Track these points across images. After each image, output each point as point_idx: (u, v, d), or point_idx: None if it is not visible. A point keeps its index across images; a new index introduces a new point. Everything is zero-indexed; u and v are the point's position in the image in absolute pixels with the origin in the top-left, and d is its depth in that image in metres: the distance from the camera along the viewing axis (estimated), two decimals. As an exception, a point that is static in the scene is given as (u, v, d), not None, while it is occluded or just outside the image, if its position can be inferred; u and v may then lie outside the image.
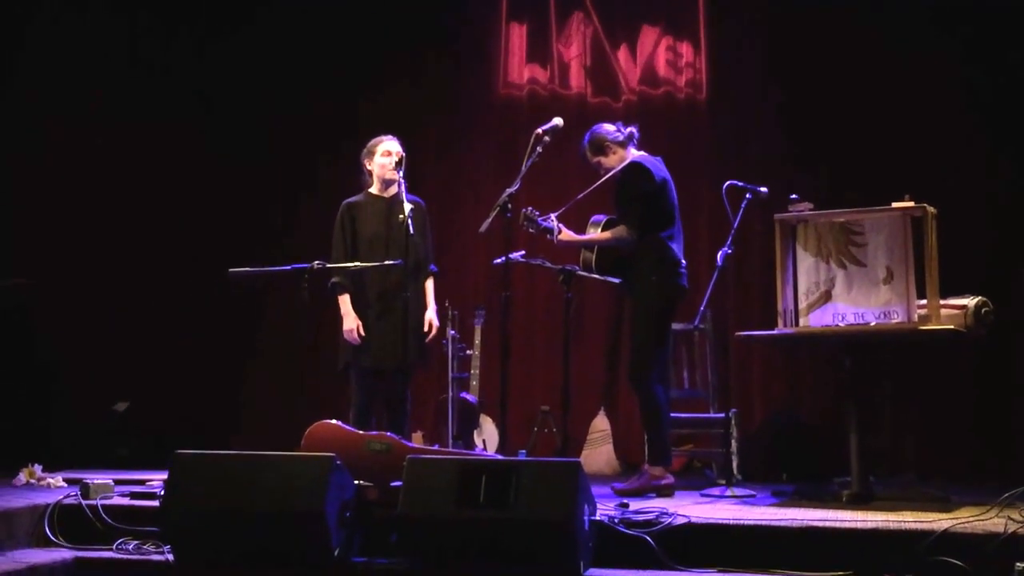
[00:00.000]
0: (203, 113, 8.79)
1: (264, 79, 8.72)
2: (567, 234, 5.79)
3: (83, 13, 8.70)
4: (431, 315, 6.08)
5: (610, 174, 5.85)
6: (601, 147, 5.89)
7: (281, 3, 8.78)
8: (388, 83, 8.57)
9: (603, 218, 5.87)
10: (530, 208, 5.80)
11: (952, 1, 7.44)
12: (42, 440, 7.17)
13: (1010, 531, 4.16)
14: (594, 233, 5.81)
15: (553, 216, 5.80)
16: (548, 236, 5.79)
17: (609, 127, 5.95)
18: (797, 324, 5.40)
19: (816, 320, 5.35)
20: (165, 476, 4.64)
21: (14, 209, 8.33)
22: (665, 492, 5.61)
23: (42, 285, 8.12)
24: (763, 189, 5.86)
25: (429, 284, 6.13)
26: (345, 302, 6.00)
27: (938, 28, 7.51)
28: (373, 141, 6.15)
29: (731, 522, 4.54)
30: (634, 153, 5.89)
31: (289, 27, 8.75)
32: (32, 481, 5.96)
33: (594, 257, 5.80)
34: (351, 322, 5.96)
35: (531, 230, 5.82)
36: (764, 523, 4.49)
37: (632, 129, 5.93)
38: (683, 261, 5.79)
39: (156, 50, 8.81)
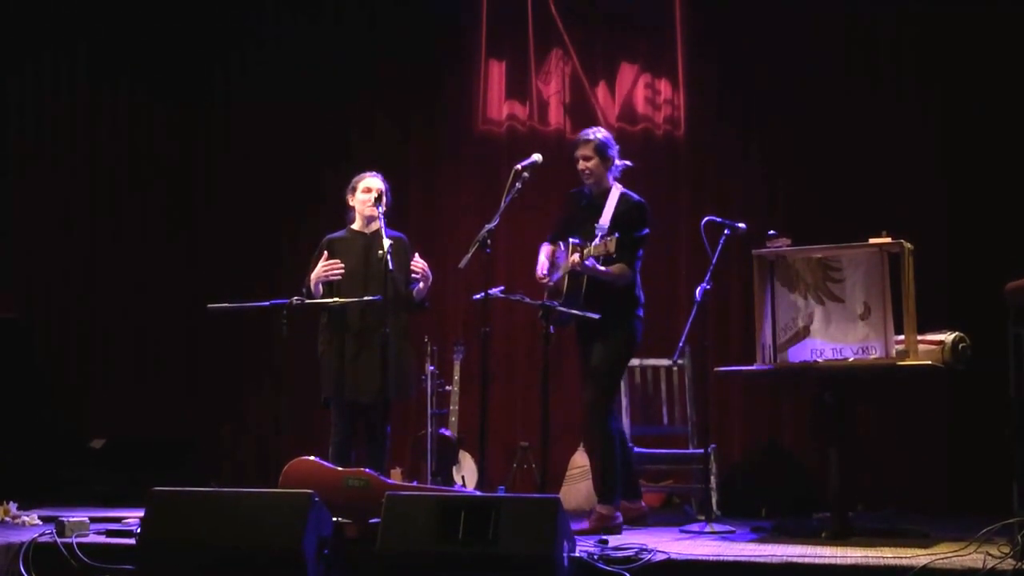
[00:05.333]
0: (192, 140, 8.85)
1: (251, 113, 8.79)
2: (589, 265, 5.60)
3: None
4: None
5: (611, 203, 5.78)
6: (604, 155, 5.85)
7: (263, 42, 8.87)
8: (370, 119, 8.61)
9: (578, 241, 5.74)
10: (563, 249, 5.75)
11: (928, 45, 7.54)
12: (17, 478, 7.11)
13: (989, 566, 4.16)
14: (575, 256, 5.64)
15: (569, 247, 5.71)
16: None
17: (615, 145, 5.95)
18: (776, 360, 5.41)
19: (794, 356, 5.37)
20: (141, 513, 4.60)
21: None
22: (616, 531, 5.60)
23: (24, 320, 8.13)
24: (741, 225, 5.89)
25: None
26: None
27: (915, 66, 7.60)
28: (356, 178, 6.15)
29: (711, 558, 4.53)
30: (619, 184, 5.90)
31: (268, 64, 8.82)
32: (7, 519, 5.91)
33: (565, 286, 5.71)
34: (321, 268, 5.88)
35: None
36: (744, 559, 4.48)
37: (628, 164, 5.97)
38: None
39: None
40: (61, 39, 8.81)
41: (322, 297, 5.89)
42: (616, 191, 5.85)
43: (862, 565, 4.35)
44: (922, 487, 7.26)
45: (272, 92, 8.75)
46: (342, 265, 5.88)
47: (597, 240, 5.58)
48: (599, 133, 5.94)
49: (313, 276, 5.90)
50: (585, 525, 5.62)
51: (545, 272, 5.89)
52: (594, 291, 5.66)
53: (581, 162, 5.88)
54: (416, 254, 5.92)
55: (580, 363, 5.97)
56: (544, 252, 6.01)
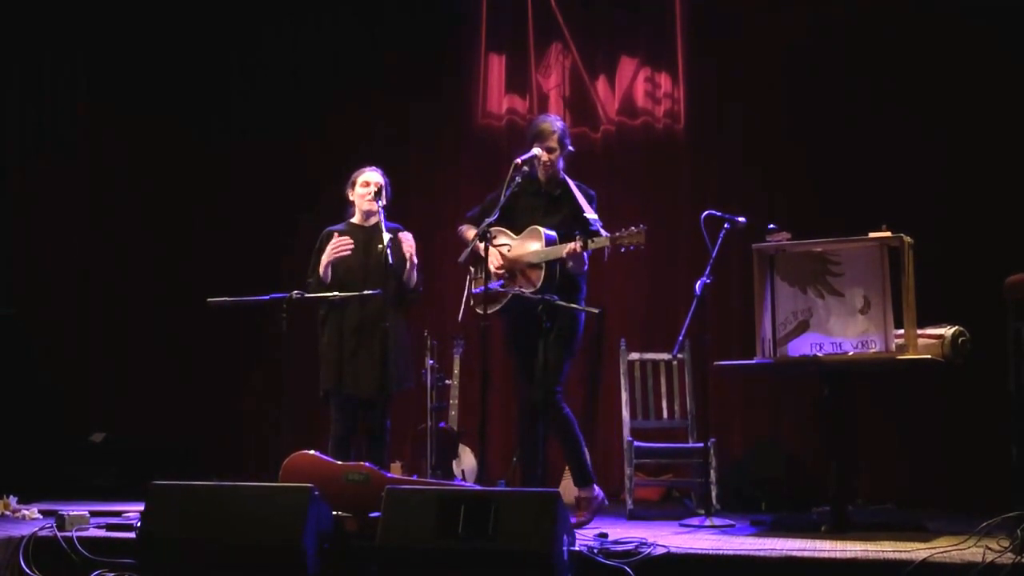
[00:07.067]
0: (194, 140, 8.84)
1: (254, 110, 8.79)
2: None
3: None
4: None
5: (579, 195, 5.75)
6: (564, 144, 5.82)
7: (263, 39, 8.88)
8: (371, 113, 8.60)
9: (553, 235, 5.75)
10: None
11: (930, 40, 7.53)
12: (17, 472, 7.12)
13: (988, 560, 4.16)
14: (576, 244, 5.58)
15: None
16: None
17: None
18: (775, 354, 5.41)
19: (794, 350, 5.37)
20: (142, 507, 4.61)
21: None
22: (604, 507, 5.72)
23: (23, 314, 8.13)
24: (741, 219, 5.88)
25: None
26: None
27: (916, 62, 7.58)
28: (355, 172, 6.15)
29: (710, 552, 4.53)
30: (565, 175, 5.86)
31: (271, 60, 8.83)
32: (7, 513, 5.91)
33: (543, 275, 5.67)
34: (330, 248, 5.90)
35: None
36: (743, 553, 4.49)
37: (570, 150, 5.92)
38: None
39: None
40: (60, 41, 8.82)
41: (329, 286, 5.89)
42: (571, 183, 5.82)
43: (861, 559, 4.35)
44: (921, 481, 7.26)
45: (272, 91, 8.76)
46: (351, 241, 5.88)
47: (603, 232, 5.52)
48: (557, 121, 5.90)
49: (323, 260, 5.89)
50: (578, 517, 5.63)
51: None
52: (563, 280, 5.65)
53: (546, 154, 5.76)
54: (409, 234, 5.92)
55: (517, 344, 5.88)
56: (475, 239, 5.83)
